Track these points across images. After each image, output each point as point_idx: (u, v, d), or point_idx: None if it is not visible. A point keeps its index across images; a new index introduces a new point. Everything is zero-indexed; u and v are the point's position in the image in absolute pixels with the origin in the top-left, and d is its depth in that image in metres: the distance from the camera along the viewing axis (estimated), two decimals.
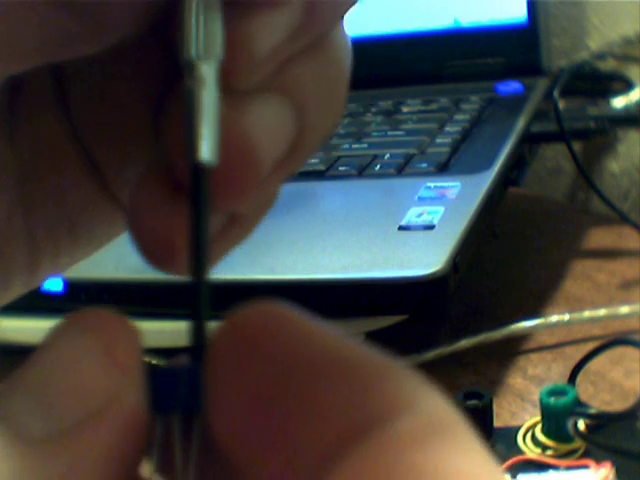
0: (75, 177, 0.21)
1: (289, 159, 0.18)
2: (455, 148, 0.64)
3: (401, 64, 0.81)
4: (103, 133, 0.20)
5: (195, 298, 0.15)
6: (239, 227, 0.20)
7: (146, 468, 0.15)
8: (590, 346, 0.45)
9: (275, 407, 0.14)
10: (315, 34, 0.18)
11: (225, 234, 0.19)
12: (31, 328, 0.51)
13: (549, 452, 0.40)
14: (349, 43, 0.19)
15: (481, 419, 0.41)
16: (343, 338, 0.14)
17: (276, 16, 0.17)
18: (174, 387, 0.15)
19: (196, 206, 0.15)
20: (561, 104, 0.67)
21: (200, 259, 0.15)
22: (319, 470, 0.13)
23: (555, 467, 0.39)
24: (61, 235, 0.21)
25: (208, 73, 0.16)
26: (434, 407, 0.14)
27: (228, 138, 0.16)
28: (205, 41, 0.16)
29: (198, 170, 0.16)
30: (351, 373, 0.14)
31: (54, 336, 0.14)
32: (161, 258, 0.17)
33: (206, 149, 0.16)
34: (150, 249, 0.17)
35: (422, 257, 0.48)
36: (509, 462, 0.40)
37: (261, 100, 0.17)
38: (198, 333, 0.15)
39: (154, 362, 0.15)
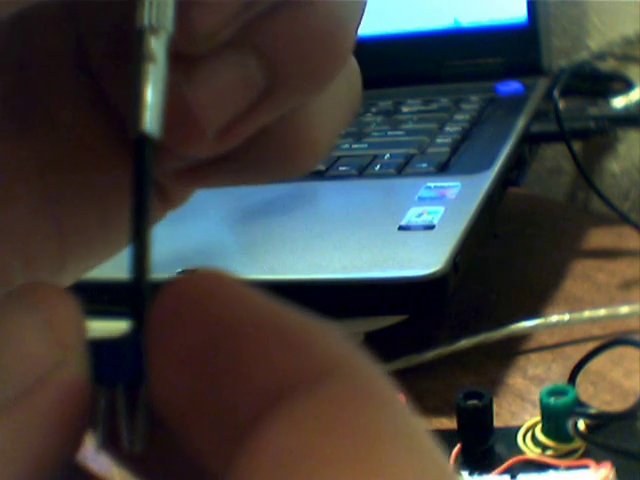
0: (107, 158, 0.20)
1: (261, 108, 0.18)
2: (455, 148, 0.64)
3: (401, 64, 0.81)
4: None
5: (135, 269, 0.15)
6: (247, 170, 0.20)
7: (92, 440, 0.15)
8: (590, 346, 0.45)
9: (207, 371, 0.14)
10: None
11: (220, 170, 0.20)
12: None
13: (549, 452, 0.40)
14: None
15: (481, 419, 0.41)
16: (276, 303, 0.15)
17: None
18: (116, 358, 0.15)
19: (138, 176, 0.15)
20: (561, 104, 0.67)
21: (141, 227, 0.15)
22: (244, 432, 0.13)
23: (555, 467, 0.39)
24: (93, 227, 0.20)
25: (158, 45, 0.16)
26: (361, 371, 0.14)
27: (177, 100, 0.17)
28: (156, 12, 0.16)
29: (140, 140, 0.16)
30: (280, 335, 0.14)
31: None
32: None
33: (150, 120, 0.16)
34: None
35: (422, 257, 0.48)
36: (509, 462, 0.40)
37: (219, 59, 0.18)
38: (138, 302, 0.15)
39: (97, 334, 0.15)
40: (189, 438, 0.14)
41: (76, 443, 0.15)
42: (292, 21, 0.18)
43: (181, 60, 0.17)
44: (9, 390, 0.14)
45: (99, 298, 0.50)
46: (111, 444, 0.15)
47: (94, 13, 0.19)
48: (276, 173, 0.21)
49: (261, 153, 0.20)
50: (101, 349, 0.15)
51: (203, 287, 0.15)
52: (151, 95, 0.16)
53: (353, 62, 0.21)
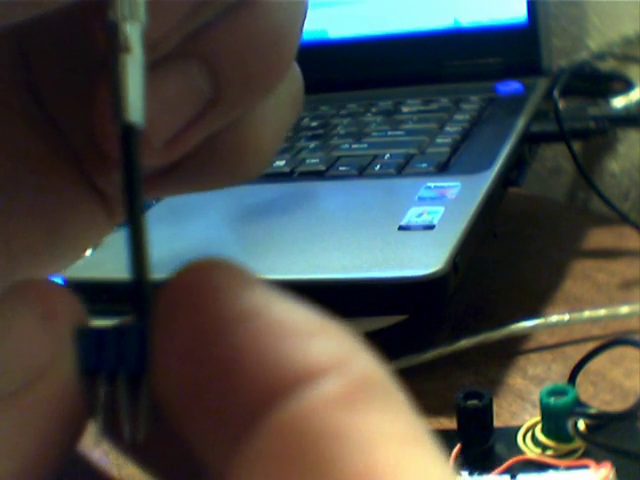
0: (54, 173, 0.20)
1: (208, 117, 0.18)
2: (455, 148, 0.64)
3: (401, 64, 0.81)
4: (79, 117, 0.20)
5: (134, 254, 0.15)
6: (191, 175, 0.20)
7: (92, 431, 0.15)
8: (590, 346, 0.45)
9: (209, 363, 0.14)
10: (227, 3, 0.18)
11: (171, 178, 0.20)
12: None
13: (549, 452, 0.40)
14: (287, 3, 0.19)
15: (481, 419, 0.41)
16: (280, 296, 0.14)
17: None
18: (118, 347, 0.15)
19: (128, 167, 0.16)
20: (561, 104, 0.67)
21: (137, 226, 0.15)
22: (244, 427, 0.13)
23: (555, 467, 0.39)
24: (40, 243, 0.20)
25: (133, 34, 0.16)
26: (364, 367, 0.14)
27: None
28: (129, 4, 0.16)
29: (126, 130, 0.16)
30: (283, 329, 0.14)
31: None
32: None
33: (133, 109, 0.16)
34: None
35: (422, 257, 0.48)
36: (509, 462, 0.40)
37: (166, 68, 0.18)
38: (141, 292, 0.15)
39: (99, 325, 0.15)
40: (188, 429, 0.14)
41: (76, 433, 0.15)
42: (235, 30, 0.18)
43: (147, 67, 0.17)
44: (10, 383, 0.14)
45: (99, 298, 0.50)
46: (111, 433, 0.15)
47: (38, 28, 0.19)
48: (224, 179, 0.21)
49: (208, 160, 0.20)
50: (103, 338, 0.15)
51: (209, 277, 0.15)
52: (132, 85, 0.16)
53: (294, 66, 0.21)
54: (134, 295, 0.15)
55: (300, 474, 0.12)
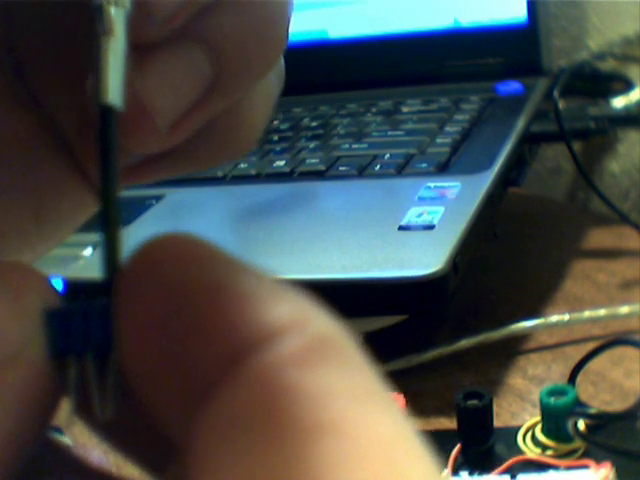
0: (40, 153, 0.20)
1: (208, 99, 0.19)
2: (455, 148, 0.64)
3: (401, 64, 0.81)
4: (65, 96, 0.20)
5: (105, 233, 0.15)
6: (188, 159, 0.21)
7: (64, 411, 0.15)
8: (590, 346, 0.45)
9: (171, 335, 0.14)
10: None
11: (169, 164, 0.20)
12: None
13: (549, 452, 0.40)
14: None
15: (481, 419, 0.41)
16: (240, 263, 0.15)
17: None
18: (84, 326, 0.15)
19: (103, 147, 0.16)
20: (561, 104, 0.67)
21: (110, 207, 0.16)
22: (205, 392, 0.13)
23: (555, 467, 0.39)
24: (28, 224, 0.20)
25: (117, 18, 0.16)
26: (319, 327, 0.14)
27: (128, 94, 0.17)
28: None
29: (104, 112, 0.16)
30: (241, 294, 0.14)
31: None
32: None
33: (112, 92, 0.16)
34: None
35: (422, 257, 0.48)
36: (509, 462, 0.40)
37: (169, 50, 0.18)
38: (107, 268, 0.15)
39: (67, 305, 0.15)
40: (154, 402, 0.14)
41: (48, 414, 0.15)
42: (236, 12, 0.18)
43: (135, 48, 0.17)
44: None
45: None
46: (84, 412, 0.15)
47: (24, 12, 0.19)
48: (219, 157, 0.21)
49: (204, 141, 0.20)
50: (70, 318, 0.15)
51: (171, 251, 0.15)
52: (112, 68, 0.16)
53: None
54: (102, 270, 0.15)
55: (256, 433, 0.13)
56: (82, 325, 0.15)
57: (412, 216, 0.53)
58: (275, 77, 0.21)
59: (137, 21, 0.17)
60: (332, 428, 0.12)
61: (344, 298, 0.49)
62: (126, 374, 0.15)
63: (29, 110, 0.20)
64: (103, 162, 0.16)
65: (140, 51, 0.17)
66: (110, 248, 0.15)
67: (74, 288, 0.50)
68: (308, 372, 0.13)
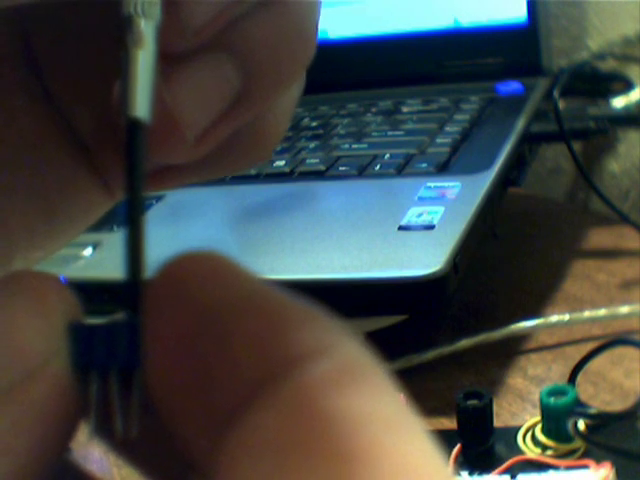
0: (53, 151, 0.20)
1: (236, 110, 0.19)
2: (455, 148, 0.64)
3: (401, 64, 0.81)
4: (81, 96, 0.20)
5: (131, 248, 0.15)
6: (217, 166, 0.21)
7: (86, 427, 0.15)
8: (590, 346, 0.45)
9: (198, 356, 0.14)
10: None
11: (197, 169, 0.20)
12: None
13: (549, 452, 0.40)
14: None
15: (481, 419, 0.41)
16: (266, 284, 0.14)
17: None
18: (109, 343, 0.15)
19: (129, 160, 0.16)
20: (561, 104, 0.67)
21: (135, 213, 0.15)
22: (230, 420, 0.13)
23: (555, 467, 0.39)
24: (39, 223, 0.20)
25: (147, 30, 0.16)
26: (350, 352, 0.14)
27: (157, 105, 0.17)
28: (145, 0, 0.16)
29: (132, 125, 0.16)
30: (270, 317, 0.14)
31: None
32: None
33: (140, 105, 0.16)
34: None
35: (422, 257, 0.48)
36: (509, 462, 0.40)
37: (199, 61, 0.18)
38: (133, 287, 0.15)
39: (92, 320, 0.15)
40: (179, 423, 0.14)
41: (70, 431, 0.15)
42: (265, 24, 0.18)
43: (165, 58, 0.17)
44: (5, 381, 0.14)
45: (99, 298, 0.50)
46: (104, 430, 0.15)
47: (42, 14, 0.19)
48: (239, 166, 0.21)
49: (229, 150, 0.20)
50: (95, 334, 0.15)
51: (197, 270, 0.15)
52: (141, 80, 0.16)
53: None
54: (126, 290, 0.15)
55: (288, 457, 0.12)
56: (106, 341, 0.15)
57: (412, 216, 0.53)
58: (297, 85, 0.21)
59: (167, 32, 0.17)
60: (366, 456, 0.12)
61: (344, 298, 0.49)
62: (150, 392, 0.14)
63: (43, 107, 0.20)
64: (129, 175, 0.16)
65: (169, 62, 0.17)
66: (135, 262, 0.15)
67: (73, 288, 0.50)
68: (340, 397, 0.13)
